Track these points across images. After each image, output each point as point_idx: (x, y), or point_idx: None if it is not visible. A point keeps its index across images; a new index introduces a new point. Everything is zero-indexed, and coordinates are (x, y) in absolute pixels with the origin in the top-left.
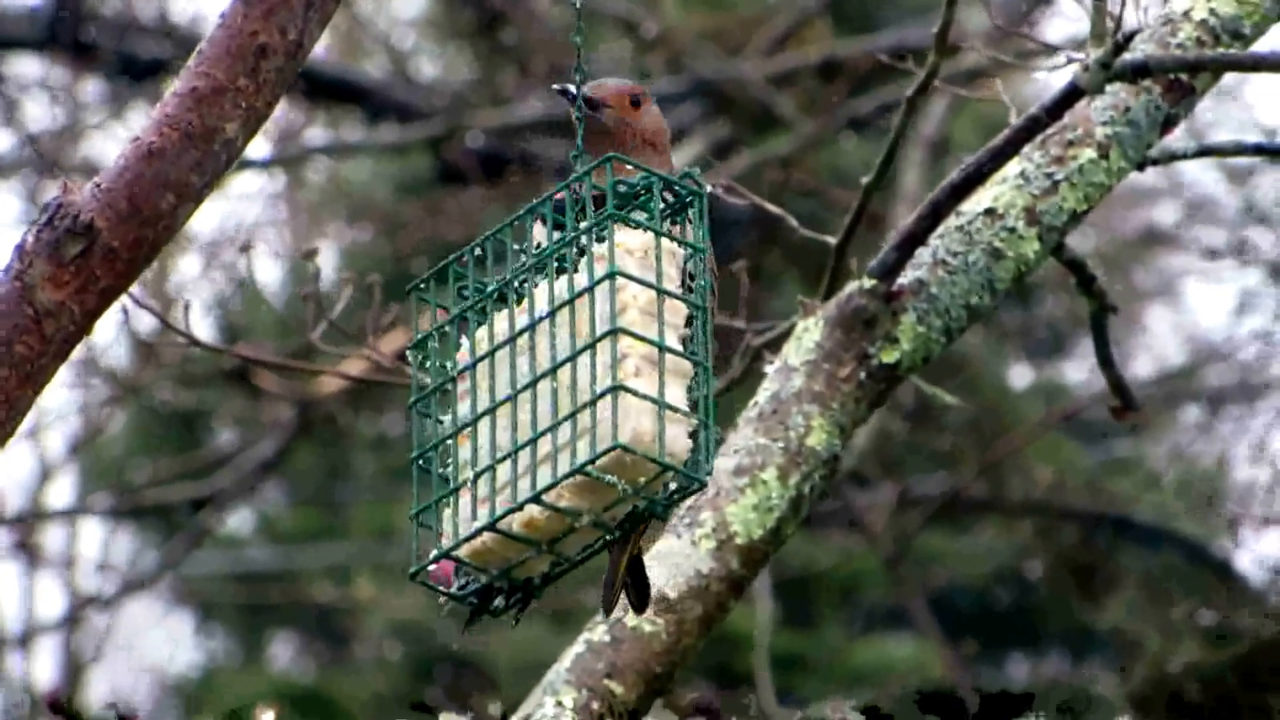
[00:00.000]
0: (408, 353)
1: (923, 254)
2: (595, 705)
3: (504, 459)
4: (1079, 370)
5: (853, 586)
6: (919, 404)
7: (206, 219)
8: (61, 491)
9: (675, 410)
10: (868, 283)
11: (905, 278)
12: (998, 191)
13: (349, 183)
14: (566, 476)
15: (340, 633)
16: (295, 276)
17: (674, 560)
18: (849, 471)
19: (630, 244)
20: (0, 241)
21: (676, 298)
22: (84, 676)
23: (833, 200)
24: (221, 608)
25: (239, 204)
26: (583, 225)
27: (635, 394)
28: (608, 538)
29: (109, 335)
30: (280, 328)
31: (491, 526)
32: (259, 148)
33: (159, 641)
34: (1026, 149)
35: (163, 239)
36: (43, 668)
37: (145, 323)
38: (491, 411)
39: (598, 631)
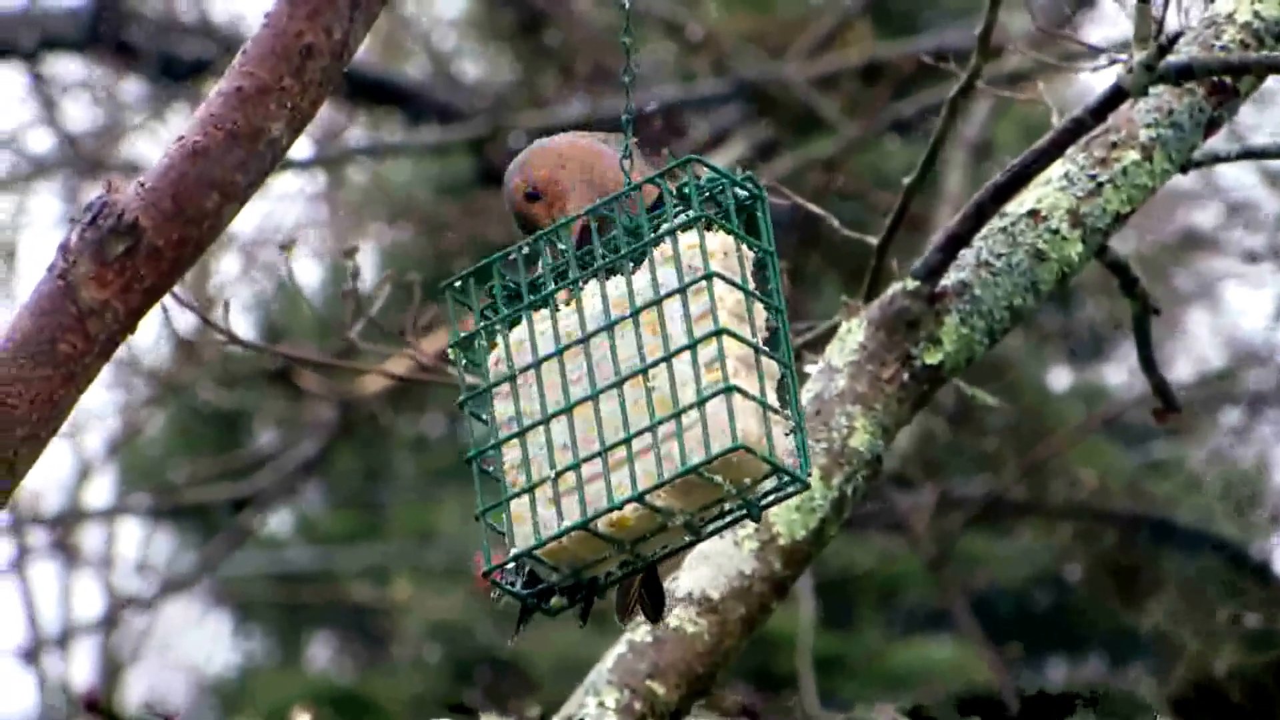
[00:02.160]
0: (450, 351)
1: (966, 255)
2: (637, 705)
3: (590, 457)
4: (1119, 373)
5: (893, 588)
6: (960, 406)
7: (247, 219)
8: (100, 491)
9: (776, 411)
10: (911, 284)
11: (948, 279)
12: (1041, 193)
13: (390, 183)
14: (679, 475)
15: (379, 634)
16: (335, 277)
17: (717, 561)
18: (890, 474)
19: (709, 246)
20: (42, 241)
21: (760, 299)
22: (122, 677)
23: (874, 203)
24: (260, 608)
25: (279, 204)
26: (664, 226)
27: (745, 394)
28: (688, 539)
29: (150, 334)
30: (320, 328)
31: (585, 525)
32: (301, 148)
33: (197, 642)
34: (1070, 150)
35: (207, 238)
36: (80, 668)
37: (186, 322)
38: (568, 410)
39: (640, 632)
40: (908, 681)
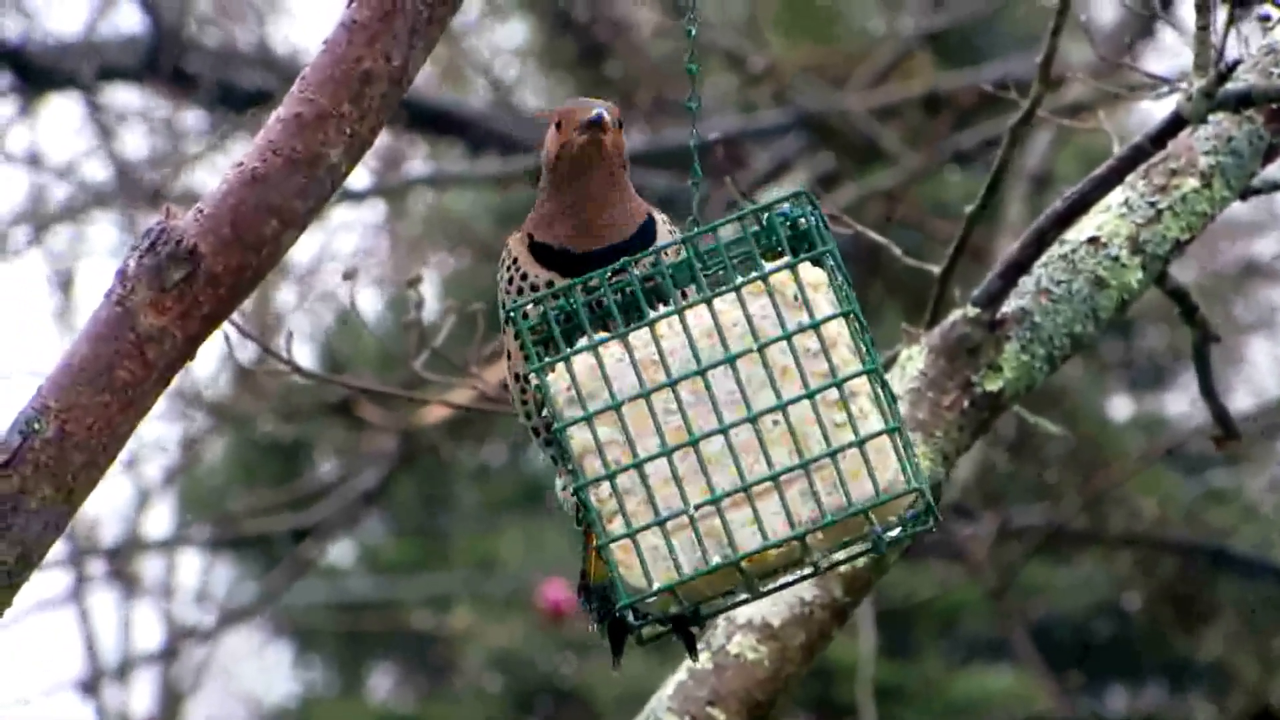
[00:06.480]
0: (532, 376)
1: (1026, 282)
2: None
3: (734, 492)
4: (1178, 402)
5: (953, 617)
6: (1019, 436)
7: (306, 250)
8: (160, 521)
9: (914, 451)
10: (972, 311)
11: (1009, 306)
12: (1101, 220)
13: (450, 212)
14: (851, 514)
15: (440, 663)
16: (396, 308)
17: None
18: (950, 503)
19: (810, 279)
20: (100, 269)
21: (867, 332)
22: (182, 708)
23: (935, 233)
24: (320, 638)
25: (338, 235)
26: (784, 259)
27: (902, 434)
28: (804, 574)
29: (210, 364)
30: (382, 359)
31: (737, 562)
32: (360, 178)
33: (257, 672)
34: (1130, 178)
35: (266, 265)
36: (140, 699)
37: (247, 352)
38: (695, 442)
39: (701, 659)
40: (967, 711)
